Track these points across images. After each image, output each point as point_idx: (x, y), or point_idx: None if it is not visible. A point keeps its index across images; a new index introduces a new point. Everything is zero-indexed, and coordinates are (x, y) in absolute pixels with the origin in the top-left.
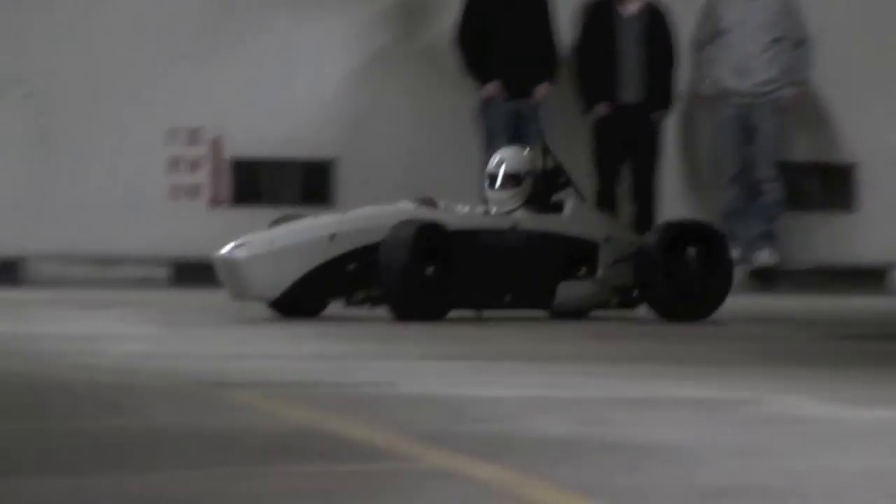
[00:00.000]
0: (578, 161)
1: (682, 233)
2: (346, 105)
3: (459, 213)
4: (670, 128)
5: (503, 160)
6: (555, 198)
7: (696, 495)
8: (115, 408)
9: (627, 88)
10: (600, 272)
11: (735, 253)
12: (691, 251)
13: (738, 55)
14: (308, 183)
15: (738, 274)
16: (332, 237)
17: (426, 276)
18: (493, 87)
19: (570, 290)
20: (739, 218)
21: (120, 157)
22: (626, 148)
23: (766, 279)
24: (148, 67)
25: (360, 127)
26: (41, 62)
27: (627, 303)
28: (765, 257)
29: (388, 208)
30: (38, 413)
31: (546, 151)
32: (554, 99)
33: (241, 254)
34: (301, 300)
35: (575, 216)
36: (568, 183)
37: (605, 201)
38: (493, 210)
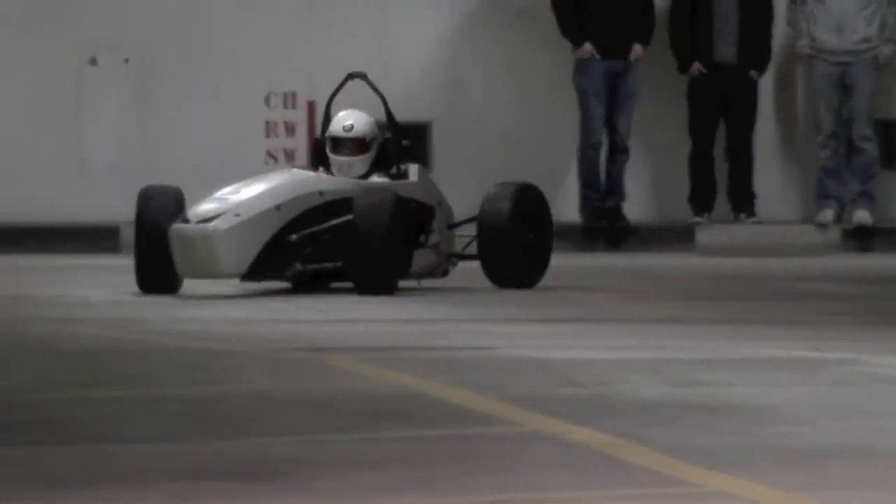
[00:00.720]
0: (674, 121)
1: (520, 197)
2: (441, 67)
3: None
4: (766, 86)
5: (352, 124)
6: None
7: (796, 457)
8: (211, 374)
9: (723, 47)
10: (436, 238)
11: (831, 212)
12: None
13: (835, 13)
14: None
15: (835, 233)
16: (279, 207)
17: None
18: (587, 48)
19: (421, 258)
20: (835, 176)
21: (217, 121)
22: (722, 107)
23: (862, 239)
24: (244, 32)
25: (455, 89)
26: (138, 28)
27: (446, 270)
28: (861, 216)
29: (291, 174)
30: (136, 380)
31: (389, 115)
32: (648, 58)
33: (221, 225)
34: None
35: (422, 181)
36: (408, 148)
37: (701, 161)
38: (340, 176)
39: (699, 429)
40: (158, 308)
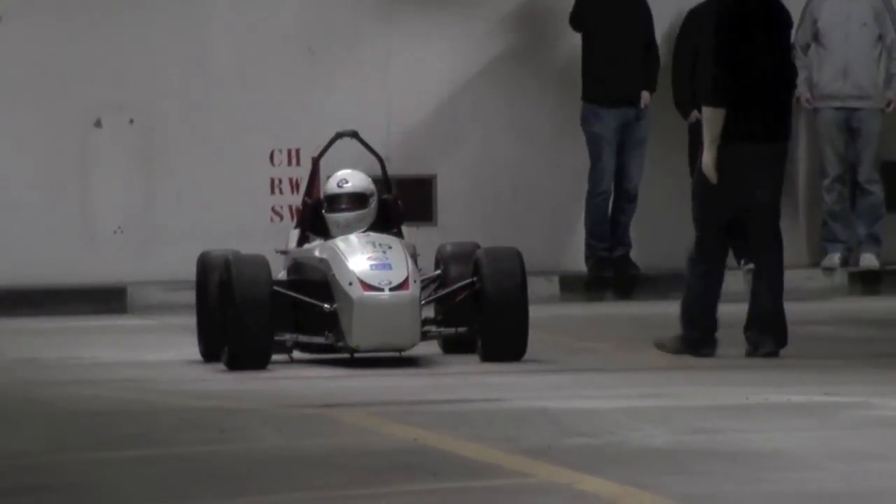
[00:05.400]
0: (676, 166)
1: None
2: (444, 120)
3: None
4: None
5: (346, 179)
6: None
7: (809, 502)
8: (220, 432)
9: None
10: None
11: (837, 256)
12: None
13: (840, 57)
14: (407, 200)
15: (842, 276)
16: (420, 270)
17: None
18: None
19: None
20: (841, 220)
21: (222, 180)
22: None
23: (869, 282)
24: (247, 90)
25: (458, 141)
26: (142, 89)
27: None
28: (868, 260)
29: (388, 237)
30: (144, 441)
31: (384, 172)
32: (656, 104)
33: (415, 293)
34: None
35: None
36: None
37: None
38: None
39: (710, 476)
40: (166, 368)
